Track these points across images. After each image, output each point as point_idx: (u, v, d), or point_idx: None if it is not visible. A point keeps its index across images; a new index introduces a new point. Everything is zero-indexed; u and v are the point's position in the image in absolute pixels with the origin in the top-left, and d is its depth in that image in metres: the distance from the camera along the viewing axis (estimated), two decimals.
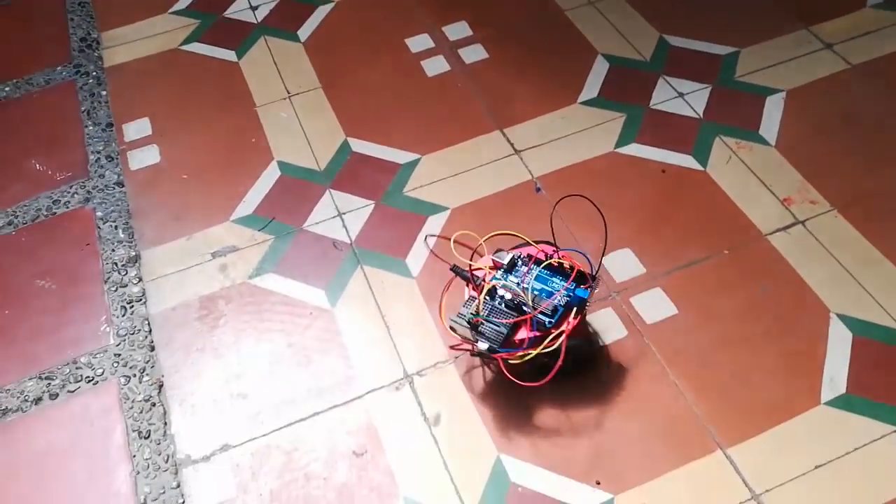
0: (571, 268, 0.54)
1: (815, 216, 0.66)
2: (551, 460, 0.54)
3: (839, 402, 0.55)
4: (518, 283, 0.54)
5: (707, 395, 0.56)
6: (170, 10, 0.91)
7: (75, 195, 0.73)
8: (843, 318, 0.59)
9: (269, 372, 0.60)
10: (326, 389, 0.58)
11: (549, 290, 0.53)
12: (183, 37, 0.87)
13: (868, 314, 0.59)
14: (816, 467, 0.52)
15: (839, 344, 0.58)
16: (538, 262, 0.55)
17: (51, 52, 0.87)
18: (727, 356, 0.58)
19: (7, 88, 0.83)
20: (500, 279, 0.54)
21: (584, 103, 0.76)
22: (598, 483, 0.52)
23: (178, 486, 0.55)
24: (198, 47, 0.86)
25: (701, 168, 0.69)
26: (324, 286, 0.64)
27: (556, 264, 0.55)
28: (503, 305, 0.53)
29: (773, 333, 0.59)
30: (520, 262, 0.56)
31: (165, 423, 0.58)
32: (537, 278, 0.54)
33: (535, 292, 0.53)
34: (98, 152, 0.76)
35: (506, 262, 0.55)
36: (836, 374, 0.56)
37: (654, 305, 0.61)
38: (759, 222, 0.65)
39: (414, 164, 0.72)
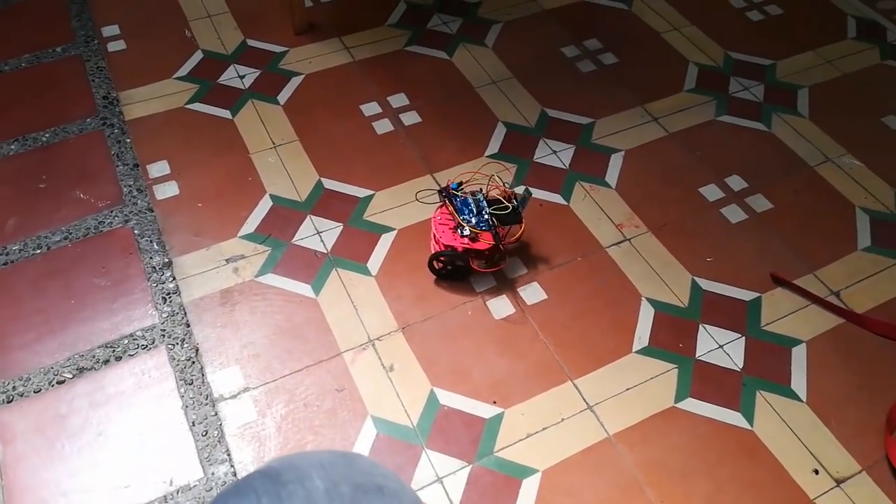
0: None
1: (637, 236, 1.00)
2: (465, 388, 0.83)
3: (644, 351, 0.88)
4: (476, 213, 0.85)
5: (563, 347, 0.88)
6: (174, 76, 1.17)
7: (115, 217, 0.98)
8: (649, 300, 0.93)
9: (273, 340, 0.87)
10: (315, 350, 0.86)
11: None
12: (187, 98, 1.14)
13: (665, 297, 0.93)
14: (627, 389, 0.85)
15: (646, 316, 0.91)
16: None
17: (79, 107, 1.11)
18: (576, 323, 0.90)
19: (47, 135, 1.07)
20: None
21: (489, 156, 1.08)
22: (495, 402, 0.83)
23: (216, 414, 0.81)
24: (200, 107, 1.13)
25: (565, 202, 1.02)
26: (310, 282, 0.92)
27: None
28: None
29: (606, 309, 0.91)
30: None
31: (203, 374, 0.84)
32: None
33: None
34: (129, 185, 1.01)
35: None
36: (643, 334, 0.89)
37: (533, 293, 0.93)
38: (601, 239, 0.99)
39: (370, 197, 1.02)
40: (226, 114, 1.12)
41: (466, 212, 0.91)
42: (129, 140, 1.07)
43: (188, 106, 1.13)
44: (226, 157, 1.06)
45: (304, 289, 0.92)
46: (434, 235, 0.91)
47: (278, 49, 1.23)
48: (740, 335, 0.90)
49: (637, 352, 0.88)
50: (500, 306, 0.91)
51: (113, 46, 1.21)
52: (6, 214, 0.97)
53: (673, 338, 0.89)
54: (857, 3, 1.39)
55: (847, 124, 1.16)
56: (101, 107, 1.11)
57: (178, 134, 1.09)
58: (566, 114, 1.15)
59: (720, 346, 0.89)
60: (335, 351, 0.86)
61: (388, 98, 1.16)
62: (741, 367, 0.87)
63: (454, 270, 0.92)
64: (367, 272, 0.94)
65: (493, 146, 1.10)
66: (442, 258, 0.91)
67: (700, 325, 0.91)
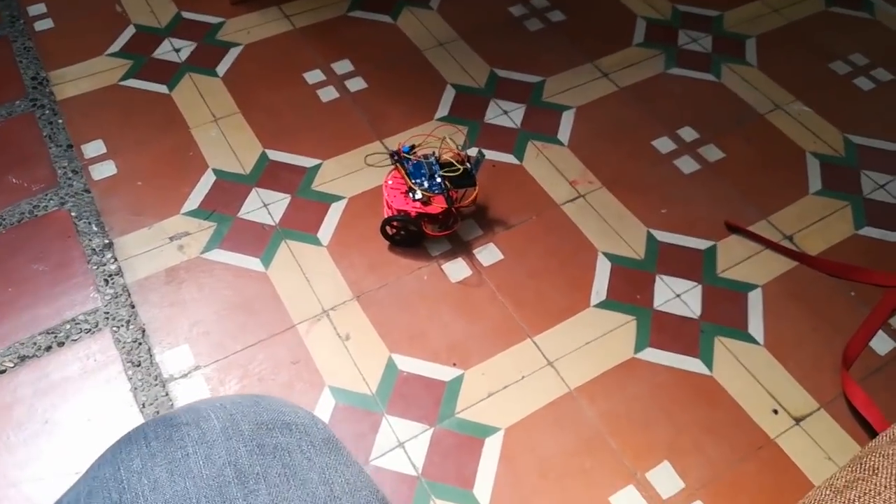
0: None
1: (592, 192, 0.99)
2: (423, 352, 0.82)
3: (601, 305, 0.87)
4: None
5: (521, 306, 0.87)
6: (105, 53, 1.12)
7: (51, 201, 0.93)
8: (606, 254, 0.92)
9: (223, 316, 0.84)
10: (267, 324, 0.84)
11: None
12: (120, 75, 1.09)
13: (621, 251, 0.92)
14: (587, 343, 0.84)
15: (602, 270, 0.90)
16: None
17: (7, 89, 1.06)
18: (533, 282, 0.89)
19: None
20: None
21: (439, 119, 1.06)
22: (455, 364, 0.82)
23: (167, 394, 0.78)
24: (134, 83, 1.08)
25: (518, 162, 1.01)
26: (259, 256, 0.89)
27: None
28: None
29: (563, 266, 0.91)
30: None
31: (151, 355, 0.81)
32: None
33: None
34: (64, 167, 0.97)
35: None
36: (600, 288, 0.89)
37: (489, 254, 0.91)
38: (555, 197, 0.97)
39: (318, 166, 0.99)
40: (163, 89, 1.08)
41: (419, 175, 0.89)
42: (61, 121, 1.02)
43: (122, 83, 1.08)
44: (165, 134, 1.02)
45: (254, 263, 0.89)
46: (386, 201, 0.89)
47: (215, 20, 1.18)
48: (697, 283, 0.90)
49: (595, 306, 0.87)
50: (457, 269, 0.90)
51: (40, 25, 1.16)
52: None
53: (630, 290, 0.89)
54: None
55: (795, 72, 1.17)
56: (31, 88, 1.06)
57: (113, 112, 1.04)
58: (516, 73, 1.14)
59: (677, 296, 0.89)
60: (288, 323, 0.84)
61: (332, 65, 1.13)
62: (699, 314, 0.87)
63: (408, 235, 0.90)
64: (317, 242, 0.91)
65: (443, 109, 1.07)
66: (395, 223, 0.89)
67: (657, 277, 0.90)
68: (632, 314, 0.87)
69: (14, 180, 0.95)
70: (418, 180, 0.89)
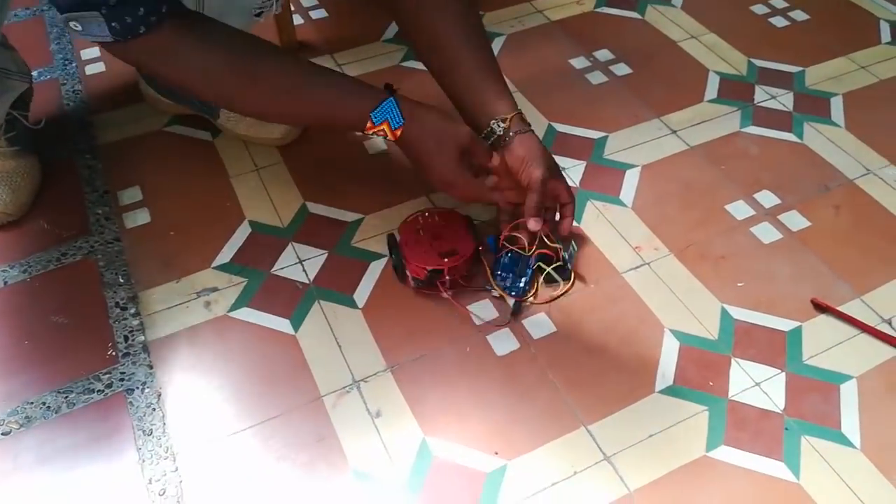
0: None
1: (658, 259, 0.89)
2: (462, 437, 0.73)
3: (668, 391, 0.76)
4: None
5: (575, 388, 0.76)
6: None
7: (80, 248, 0.89)
8: (673, 332, 0.81)
9: (245, 383, 0.77)
10: (292, 394, 0.76)
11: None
12: (166, 120, 1.06)
13: (691, 329, 0.82)
14: (650, 436, 0.73)
15: (670, 349, 0.80)
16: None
17: (50, 132, 1.03)
18: (589, 360, 0.79)
19: None
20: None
21: None
22: (497, 453, 0.72)
23: (176, 469, 0.71)
24: (179, 129, 1.05)
25: (576, 224, 0.92)
26: (288, 317, 0.82)
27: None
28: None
29: (624, 343, 0.80)
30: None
31: (164, 424, 0.74)
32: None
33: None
34: (98, 214, 0.93)
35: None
36: (666, 371, 0.78)
37: (540, 326, 0.82)
38: (616, 264, 0.88)
39: (359, 221, 0.92)
40: (206, 135, 1.04)
41: (510, 270, 0.84)
42: (100, 165, 0.99)
43: (166, 129, 1.05)
44: (204, 182, 0.98)
45: (283, 324, 0.82)
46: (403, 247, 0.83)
47: None
48: (780, 370, 0.78)
49: (660, 392, 0.76)
50: (503, 341, 0.80)
51: (91, 69, 1.15)
52: None
53: (702, 375, 0.78)
54: (889, 6, 1.29)
55: (888, 133, 1.05)
56: (75, 132, 1.04)
57: (153, 158, 1.01)
58: (576, 128, 1.06)
59: (757, 384, 0.77)
60: (315, 395, 0.76)
61: None
62: (782, 407, 0.75)
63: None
64: (353, 304, 0.84)
65: None
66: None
67: (733, 360, 0.79)
68: (703, 403, 0.75)
69: (45, 225, 0.92)
70: (505, 274, 0.83)
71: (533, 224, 0.81)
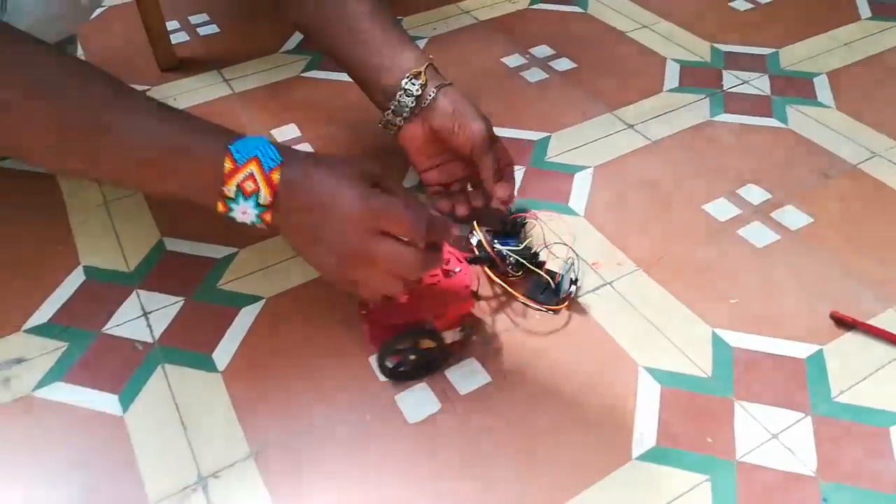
0: None
1: (622, 277, 0.67)
2: None
3: (649, 456, 0.54)
4: None
5: (523, 463, 0.53)
6: None
7: None
8: (650, 370, 0.59)
9: (45, 488, 0.53)
10: (110, 501, 0.52)
11: None
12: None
13: (674, 364, 0.60)
14: None
15: (648, 396, 0.57)
16: None
17: None
18: (539, 419, 0.56)
19: None
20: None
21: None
22: None
23: None
24: (16, 164, 0.83)
25: None
26: (117, 391, 0.59)
27: None
28: None
29: (584, 389, 0.58)
30: None
31: None
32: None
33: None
34: None
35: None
36: (645, 428, 0.55)
37: (468, 375, 0.59)
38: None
39: (231, 257, 0.70)
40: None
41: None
42: None
43: (2, 164, 0.83)
44: (35, 222, 0.75)
45: (108, 402, 0.58)
46: (371, 319, 0.59)
47: (139, 87, 0.95)
48: (803, 414, 0.56)
49: (639, 458, 0.53)
50: (417, 401, 0.58)
51: None
52: None
53: (696, 428, 0.55)
54: None
55: (889, 112, 0.87)
56: None
57: None
58: (511, 130, 0.86)
59: (774, 436, 0.55)
60: (142, 501, 0.52)
61: (273, 131, 0.87)
62: (814, 469, 0.53)
63: (419, 361, 0.58)
64: (210, 366, 0.61)
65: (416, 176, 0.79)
66: (399, 349, 0.57)
67: (736, 404, 0.57)
68: (703, 470, 0.53)
69: None
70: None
71: (502, 191, 0.64)
